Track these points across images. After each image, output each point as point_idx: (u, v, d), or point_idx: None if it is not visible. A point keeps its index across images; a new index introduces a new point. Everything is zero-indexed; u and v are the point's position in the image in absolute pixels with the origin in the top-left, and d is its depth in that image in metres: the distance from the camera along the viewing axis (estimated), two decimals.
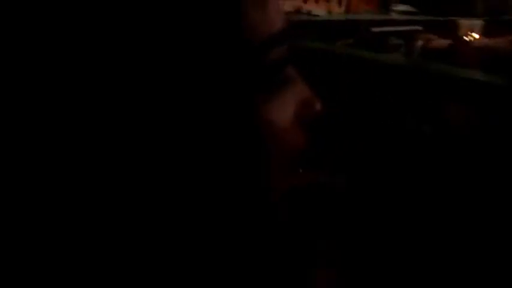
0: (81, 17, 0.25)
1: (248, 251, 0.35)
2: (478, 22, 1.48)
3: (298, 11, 1.86)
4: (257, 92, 0.28)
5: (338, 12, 2.04)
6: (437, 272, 0.81)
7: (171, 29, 0.26)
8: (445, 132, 0.95)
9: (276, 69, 0.29)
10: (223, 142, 0.28)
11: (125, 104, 0.25)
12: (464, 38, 1.30)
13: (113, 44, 0.25)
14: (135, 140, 0.26)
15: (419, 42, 1.75)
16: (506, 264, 0.79)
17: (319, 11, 1.89)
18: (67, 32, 0.25)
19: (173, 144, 0.27)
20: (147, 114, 0.26)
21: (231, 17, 0.27)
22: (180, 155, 0.27)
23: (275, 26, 0.29)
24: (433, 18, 1.94)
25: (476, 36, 1.33)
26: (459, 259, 0.81)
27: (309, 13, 1.83)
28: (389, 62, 1.15)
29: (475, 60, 1.11)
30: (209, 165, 0.28)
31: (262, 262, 0.36)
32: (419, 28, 2.13)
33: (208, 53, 0.26)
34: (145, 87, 0.26)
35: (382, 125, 1.02)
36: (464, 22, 1.49)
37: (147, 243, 0.28)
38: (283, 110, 0.30)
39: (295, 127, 0.31)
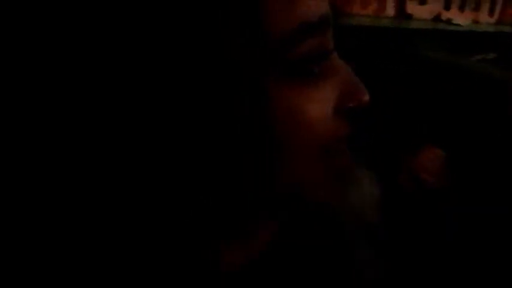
0: (80, 17, 0.25)
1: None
2: None
3: (436, 18, 1.67)
4: (282, 84, 0.29)
5: (487, 22, 1.79)
6: None
7: (180, 19, 0.25)
8: None
9: (306, 61, 0.29)
10: (237, 138, 0.28)
11: (130, 98, 0.26)
12: None
13: (117, 38, 0.25)
14: (138, 136, 0.26)
15: None
16: None
17: (462, 20, 1.67)
18: (66, 32, 0.25)
19: (184, 139, 0.27)
20: (150, 111, 0.26)
21: (247, 9, 0.27)
22: (189, 150, 0.27)
23: (307, 17, 0.29)
24: None
25: None
26: None
27: (447, 21, 1.64)
28: None
29: None
30: (221, 157, 0.28)
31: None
32: None
33: (222, 46, 0.26)
34: (151, 83, 0.25)
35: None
36: None
37: (146, 241, 0.29)
38: (320, 100, 0.31)
39: (336, 117, 0.32)
